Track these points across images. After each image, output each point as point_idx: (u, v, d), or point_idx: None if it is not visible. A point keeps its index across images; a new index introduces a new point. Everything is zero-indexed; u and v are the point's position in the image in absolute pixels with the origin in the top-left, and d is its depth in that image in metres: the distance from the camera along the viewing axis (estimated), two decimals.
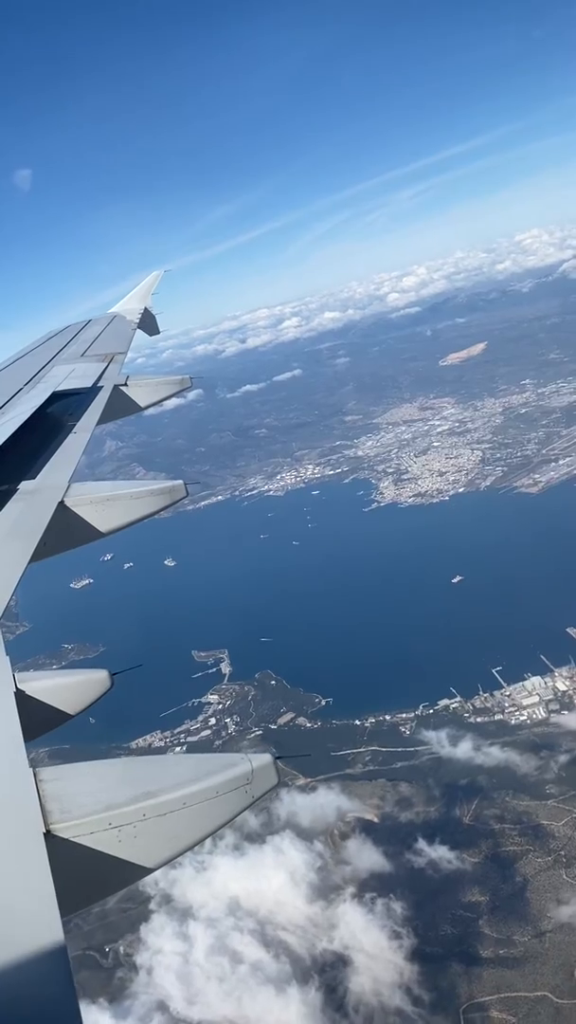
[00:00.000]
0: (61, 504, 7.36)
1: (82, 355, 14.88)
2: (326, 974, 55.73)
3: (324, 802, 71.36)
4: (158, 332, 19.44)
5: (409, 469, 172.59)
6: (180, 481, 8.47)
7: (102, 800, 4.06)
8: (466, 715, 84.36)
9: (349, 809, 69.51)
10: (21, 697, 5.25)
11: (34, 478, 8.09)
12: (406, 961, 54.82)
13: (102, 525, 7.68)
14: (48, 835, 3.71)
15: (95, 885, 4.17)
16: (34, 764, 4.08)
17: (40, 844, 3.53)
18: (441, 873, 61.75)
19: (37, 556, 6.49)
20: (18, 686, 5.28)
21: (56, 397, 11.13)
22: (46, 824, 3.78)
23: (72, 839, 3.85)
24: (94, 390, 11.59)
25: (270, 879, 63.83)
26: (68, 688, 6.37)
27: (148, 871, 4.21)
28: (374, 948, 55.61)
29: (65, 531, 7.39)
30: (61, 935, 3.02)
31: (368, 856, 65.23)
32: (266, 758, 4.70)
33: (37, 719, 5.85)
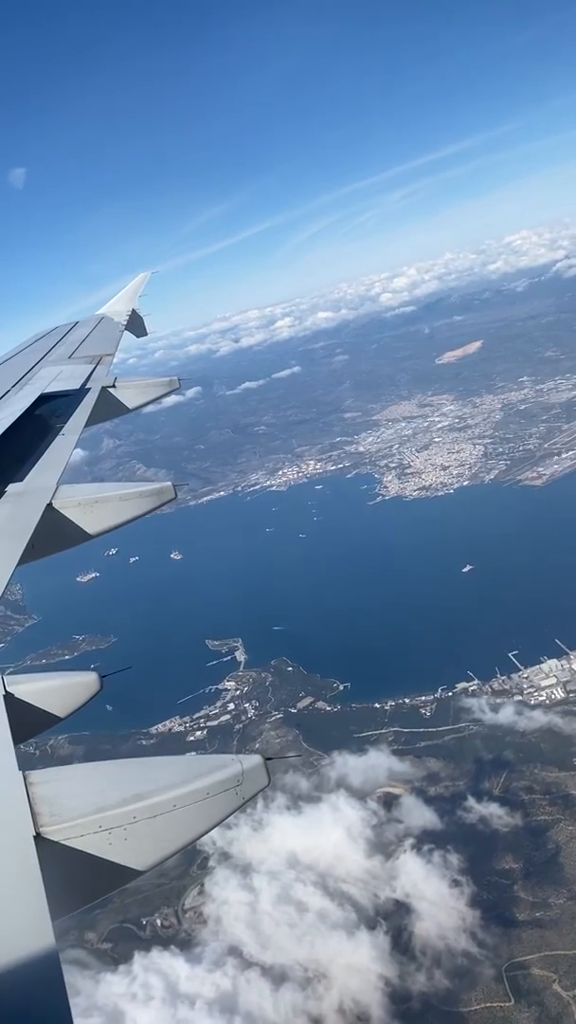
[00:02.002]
0: (49, 506, 7.38)
1: (70, 357, 14.88)
2: (391, 920, 57.89)
3: (375, 763, 73.94)
4: (146, 334, 19.52)
5: (412, 464, 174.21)
6: (169, 483, 8.43)
7: (92, 802, 4.10)
8: (485, 697, 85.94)
9: (400, 770, 71.86)
10: (10, 700, 5.44)
11: (22, 480, 8.11)
12: (468, 907, 57.08)
13: (90, 527, 7.69)
14: (38, 838, 3.75)
15: (86, 888, 4.20)
16: (25, 766, 4.17)
17: (30, 847, 3.59)
18: (473, 842, 63.68)
19: (25, 558, 6.51)
20: (7, 689, 5.45)
21: (44, 399, 11.18)
22: (36, 827, 3.81)
23: (62, 842, 3.88)
24: (82, 392, 11.56)
25: (328, 835, 65.90)
26: (57, 690, 6.43)
27: (139, 873, 4.24)
28: (435, 896, 57.88)
29: (54, 533, 7.40)
30: (52, 939, 3.06)
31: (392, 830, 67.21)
32: (256, 759, 4.75)
33: (26, 722, 5.86)
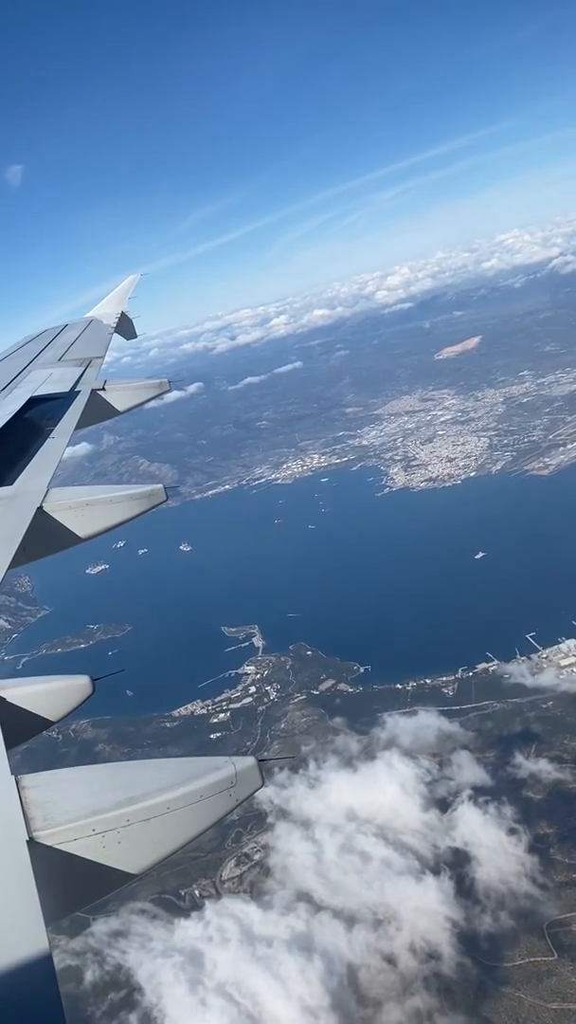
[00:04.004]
0: (40, 510, 7.38)
1: (59, 360, 14.81)
2: (453, 868, 60.33)
3: (424, 723, 77.33)
4: (135, 336, 19.52)
5: (417, 456, 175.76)
6: (160, 485, 8.47)
7: (86, 806, 4.11)
8: (506, 676, 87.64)
9: (450, 731, 74.33)
10: (2, 704, 5.54)
11: (12, 484, 8.11)
12: (526, 854, 59.48)
13: (81, 530, 7.70)
14: (31, 842, 3.76)
15: (80, 892, 4.21)
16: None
17: (23, 852, 3.61)
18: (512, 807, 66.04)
19: (17, 561, 6.53)
20: None
21: (33, 402, 11.22)
22: (29, 831, 3.82)
23: (56, 846, 3.89)
24: (72, 395, 11.57)
25: (383, 791, 68.44)
26: (49, 694, 6.41)
27: (133, 877, 4.26)
28: (494, 843, 60.41)
29: (45, 536, 7.39)
30: (46, 943, 3.09)
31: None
32: (250, 761, 4.78)
33: (18, 726, 5.85)
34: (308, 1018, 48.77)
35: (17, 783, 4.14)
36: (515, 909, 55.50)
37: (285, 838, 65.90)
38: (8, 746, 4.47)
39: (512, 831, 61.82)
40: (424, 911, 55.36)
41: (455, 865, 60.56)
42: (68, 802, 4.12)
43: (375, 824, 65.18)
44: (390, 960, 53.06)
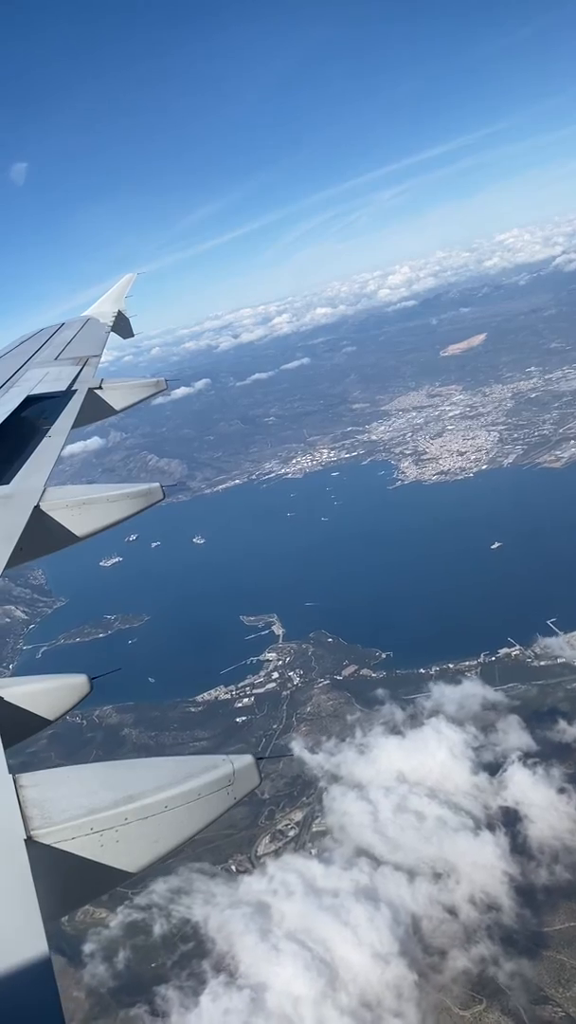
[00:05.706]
0: (37, 508, 7.40)
1: (56, 358, 14.83)
2: (506, 825, 62.40)
3: (470, 692, 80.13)
4: (132, 335, 19.49)
5: (427, 450, 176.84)
6: (157, 484, 8.43)
7: (84, 805, 4.12)
8: (528, 660, 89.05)
9: (494, 700, 76.23)
10: (0, 704, 5.61)
11: (9, 483, 8.14)
12: None
13: (79, 529, 7.72)
14: (29, 841, 3.78)
15: (78, 890, 4.24)
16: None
17: (21, 851, 3.63)
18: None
19: (14, 561, 6.57)
20: None
21: (30, 401, 11.26)
22: (27, 830, 3.84)
23: (54, 845, 3.91)
24: (68, 394, 11.56)
25: (432, 755, 70.69)
26: (47, 694, 6.42)
27: (130, 875, 4.28)
28: (545, 802, 62.47)
29: (42, 535, 7.40)
30: (44, 943, 3.10)
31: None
32: (247, 759, 4.81)
33: (16, 725, 5.87)
34: (379, 963, 50.67)
35: (15, 782, 4.18)
36: (570, 863, 57.32)
37: (340, 799, 68.02)
38: (6, 745, 4.51)
39: (562, 790, 63.76)
40: (481, 865, 57.46)
41: (508, 823, 62.58)
42: (66, 801, 4.15)
43: (426, 786, 67.36)
44: (452, 911, 55.10)
